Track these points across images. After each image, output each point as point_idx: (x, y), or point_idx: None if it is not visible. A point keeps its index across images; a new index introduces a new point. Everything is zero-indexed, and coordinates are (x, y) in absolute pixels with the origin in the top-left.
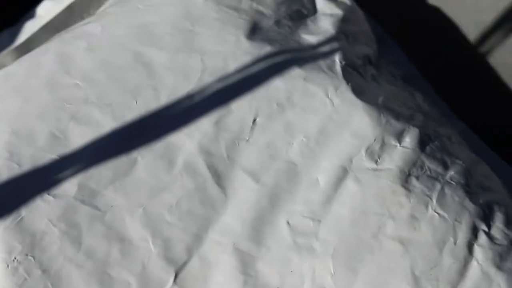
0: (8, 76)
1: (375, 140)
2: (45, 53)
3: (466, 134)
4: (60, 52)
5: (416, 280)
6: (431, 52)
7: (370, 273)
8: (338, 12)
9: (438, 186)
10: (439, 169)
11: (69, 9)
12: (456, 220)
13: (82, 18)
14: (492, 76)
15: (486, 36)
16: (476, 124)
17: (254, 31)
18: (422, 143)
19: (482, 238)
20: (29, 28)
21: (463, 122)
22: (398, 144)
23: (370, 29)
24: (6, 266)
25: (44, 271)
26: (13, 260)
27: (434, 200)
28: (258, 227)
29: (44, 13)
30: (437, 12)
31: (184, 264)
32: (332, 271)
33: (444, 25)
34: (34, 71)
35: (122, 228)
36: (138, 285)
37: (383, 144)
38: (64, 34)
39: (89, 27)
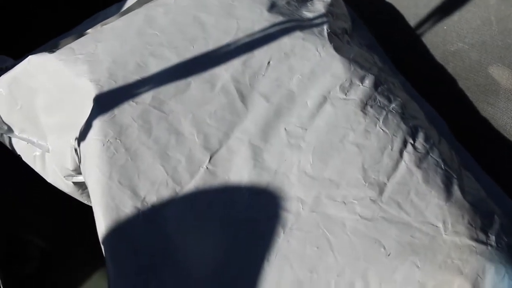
0: (113, 27)
1: (346, 80)
2: (137, 14)
3: (404, 83)
4: (146, 14)
5: (365, 170)
6: (384, 32)
7: (335, 164)
8: None
9: (384, 112)
10: (386, 102)
11: None
12: (393, 135)
13: None
14: (423, 47)
15: (420, 23)
16: (409, 77)
17: (272, 7)
18: (376, 85)
19: (409, 147)
20: (129, 2)
21: (402, 75)
22: (361, 84)
23: (347, 12)
24: (103, 145)
25: (126, 149)
26: (107, 141)
27: (381, 121)
28: (266, 130)
29: None
30: (388, 5)
31: (217, 151)
32: (311, 161)
33: (393, 14)
34: (129, 24)
35: (178, 126)
36: (185, 162)
37: (351, 83)
38: (150, 4)
39: (166, 0)
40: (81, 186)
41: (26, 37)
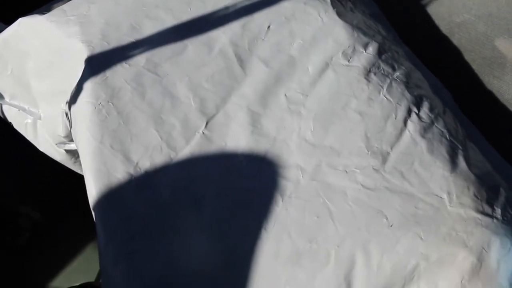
0: None
1: (349, 46)
2: None
3: (408, 53)
4: None
5: (367, 139)
6: (388, 1)
7: (337, 132)
8: None
9: (388, 80)
10: (390, 70)
11: None
12: (397, 103)
13: None
14: (427, 18)
15: None
16: (413, 47)
17: None
18: (380, 53)
19: (413, 116)
20: None
21: (406, 45)
22: (364, 51)
23: None
24: (94, 108)
25: (119, 112)
26: (99, 104)
27: (385, 89)
28: (265, 96)
29: None
30: None
31: (213, 116)
32: (312, 128)
33: None
34: None
35: (173, 89)
36: (180, 127)
37: (354, 50)
38: None
39: None
40: (74, 154)
41: (25, 4)
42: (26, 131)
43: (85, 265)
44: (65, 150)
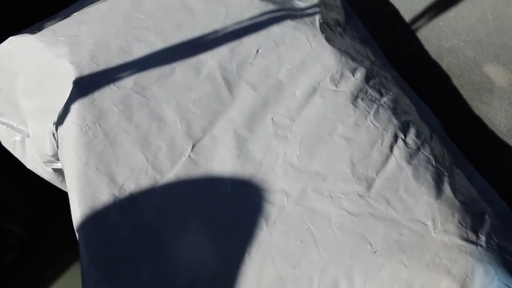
0: (97, 9)
1: (336, 71)
2: None
3: (397, 78)
4: None
5: (353, 164)
6: (378, 26)
7: (323, 157)
8: None
9: (375, 106)
10: (377, 96)
11: None
12: (384, 129)
13: None
14: (417, 43)
15: (416, 19)
16: (402, 72)
17: None
18: (367, 78)
19: (400, 142)
20: None
21: (395, 71)
22: (352, 76)
23: (340, 4)
24: (80, 129)
25: (105, 134)
26: (85, 126)
27: (371, 115)
28: (252, 120)
29: None
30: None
31: (200, 139)
32: (298, 153)
33: (388, 8)
34: (115, 8)
35: (160, 112)
36: (167, 150)
37: (341, 75)
38: None
39: None
40: (61, 173)
41: (13, 24)
42: (14, 148)
43: (71, 283)
44: (53, 169)
